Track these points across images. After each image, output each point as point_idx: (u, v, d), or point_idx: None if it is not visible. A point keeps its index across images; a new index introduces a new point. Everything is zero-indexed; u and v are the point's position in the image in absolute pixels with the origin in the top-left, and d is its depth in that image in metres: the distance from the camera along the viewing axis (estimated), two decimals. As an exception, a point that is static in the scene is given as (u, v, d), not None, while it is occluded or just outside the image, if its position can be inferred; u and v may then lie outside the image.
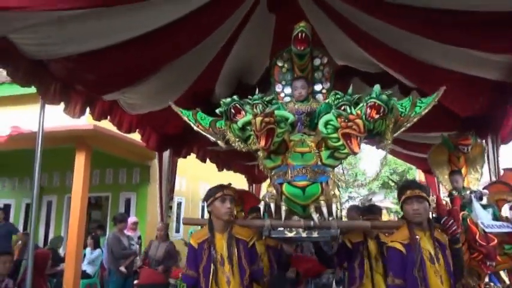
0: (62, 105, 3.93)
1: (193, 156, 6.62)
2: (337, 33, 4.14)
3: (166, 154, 6.06)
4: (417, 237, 2.48)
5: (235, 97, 2.95)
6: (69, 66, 3.66)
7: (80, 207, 6.42)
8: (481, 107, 4.71)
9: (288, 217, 2.86)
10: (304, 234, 2.83)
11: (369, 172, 26.19)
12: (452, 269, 2.49)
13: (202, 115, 3.40)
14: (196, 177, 10.19)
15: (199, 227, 10.33)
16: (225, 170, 8.11)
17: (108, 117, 4.53)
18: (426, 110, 2.88)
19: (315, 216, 2.77)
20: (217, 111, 3.02)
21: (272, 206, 2.81)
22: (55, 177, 8.89)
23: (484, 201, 4.20)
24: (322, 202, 2.75)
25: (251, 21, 4.11)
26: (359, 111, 2.57)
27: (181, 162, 6.45)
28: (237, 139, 2.94)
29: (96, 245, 7.29)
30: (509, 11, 2.98)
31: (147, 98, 4.63)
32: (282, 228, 2.86)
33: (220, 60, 4.50)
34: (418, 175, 10.19)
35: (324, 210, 2.73)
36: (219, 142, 3.15)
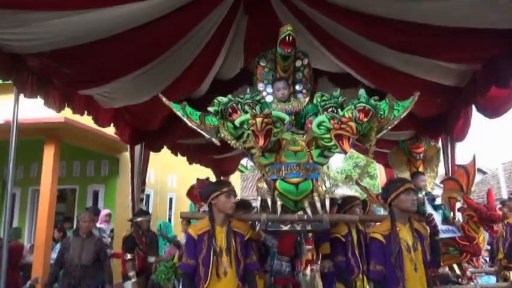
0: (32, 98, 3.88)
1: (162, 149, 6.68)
2: (306, 36, 4.34)
3: (137, 147, 6.05)
4: (397, 228, 2.74)
5: (230, 97, 3.06)
6: (46, 61, 3.65)
7: (48, 200, 6.31)
8: (438, 109, 5.11)
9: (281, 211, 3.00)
10: (298, 227, 3.01)
11: (333, 165, 26.95)
12: (431, 258, 2.79)
13: (190, 109, 3.41)
14: (164, 169, 10.19)
15: (168, 219, 10.31)
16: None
17: (86, 112, 4.53)
18: (405, 114, 3.13)
19: (309, 210, 2.95)
20: (210, 109, 3.09)
21: (269, 201, 2.96)
22: (19, 169, 8.64)
23: (438, 200, 4.63)
24: (316, 198, 2.94)
25: (227, 22, 4.23)
26: (350, 114, 2.73)
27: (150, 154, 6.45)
28: (230, 137, 3.04)
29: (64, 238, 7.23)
30: (457, 26, 3.32)
31: (125, 94, 4.64)
32: (277, 222, 3.02)
33: (204, 60, 4.54)
34: (379, 169, 10.66)
35: (318, 205, 2.93)
36: (213, 139, 3.20)
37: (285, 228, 3.02)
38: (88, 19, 3.15)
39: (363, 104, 2.79)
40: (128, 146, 6.10)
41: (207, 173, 8.54)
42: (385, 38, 3.78)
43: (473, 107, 4.73)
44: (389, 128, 3.08)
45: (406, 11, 3.33)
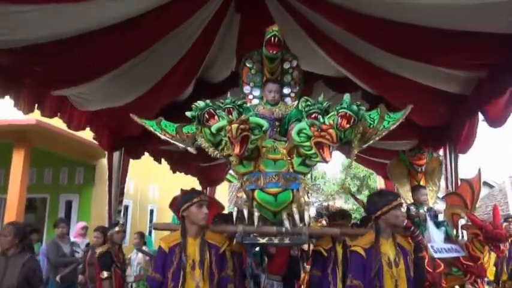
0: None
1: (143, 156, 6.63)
2: (302, 37, 4.36)
3: (116, 153, 5.98)
4: (379, 243, 2.77)
5: (208, 101, 3.07)
6: (17, 58, 3.62)
7: (16, 209, 6.23)
8: (441, 117, 5.15)
9: (259, 223, 3.04)
10: (276, 241, 3.05)
11: (328, 175, 27.04)
12: (413, 275, 2.80)
13: (166, 123, 3.48)
14: (145, 178, 10.13)
15: (148, 232, 10.17)
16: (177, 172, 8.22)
17: (58, 114, 4.47)
18: (394, 126, 3.13)
19: (287, 223, 2.97)
20: (188, 114, 3.10)
21: (245, 212, 2.98)
22: (-16, 176, 8.55)
23: (441, 216, 4.65)
24: (294, 209, 2.95)
25: (217, 20, 4.24)
26: (331, 121, 2.74)
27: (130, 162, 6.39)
28: (208, 144, 3.07)
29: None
30: (456, 29, 3.35)
31: (104, 95, 4.59)
32: (254, 235, 3.05)
33: (191, 60, 4.53)
34: (379, 181, 10.74)
35: (296, 217, 2.96)
36: (188, 148, 3.25)
37: (262, 240, 3.05)
38: (71, 13, 3.14)
39: (345, 110, 2.79)
40: (106, 152, 6.02)
41: (191, 183, 8.49)
42: (376, 39, 3.81)
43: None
44: (376, 138, 3.10)
45: (401, 13, 3.36)
